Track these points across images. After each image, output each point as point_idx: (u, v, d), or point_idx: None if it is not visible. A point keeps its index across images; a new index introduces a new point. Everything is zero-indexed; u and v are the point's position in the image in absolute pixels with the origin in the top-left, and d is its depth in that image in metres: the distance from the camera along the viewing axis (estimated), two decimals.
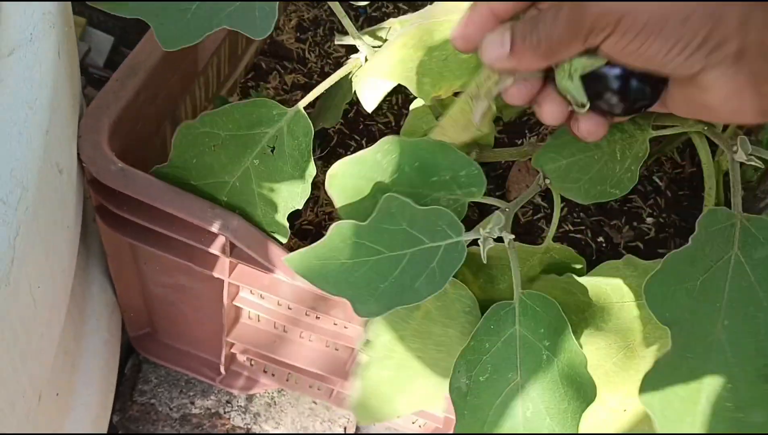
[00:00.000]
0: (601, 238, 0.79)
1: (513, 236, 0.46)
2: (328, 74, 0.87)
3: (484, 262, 0.46)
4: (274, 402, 0.88)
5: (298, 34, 0.90)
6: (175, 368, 0.86)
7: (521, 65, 0.40)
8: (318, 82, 0.86)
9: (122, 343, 0.86)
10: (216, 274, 0.63)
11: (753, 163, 0.43)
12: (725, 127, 0.59)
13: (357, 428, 0.93)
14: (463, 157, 0.49)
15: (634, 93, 0.40)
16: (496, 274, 0.54)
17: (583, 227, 0.79)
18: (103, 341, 0.73)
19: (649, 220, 0.84)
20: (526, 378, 0.43)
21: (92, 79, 1.02)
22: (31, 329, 0.47)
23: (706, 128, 0.48)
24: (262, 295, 0.68)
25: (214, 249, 0.59)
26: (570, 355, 0.43)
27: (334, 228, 0.45)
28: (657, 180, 0.87)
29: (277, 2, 0.51)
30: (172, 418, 0.85)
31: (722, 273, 0.39)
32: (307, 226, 0.76)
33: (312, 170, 0.55)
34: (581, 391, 0.42)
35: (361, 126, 0.82)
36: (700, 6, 0.35)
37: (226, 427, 0.86)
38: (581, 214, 0.80)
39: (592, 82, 0.40)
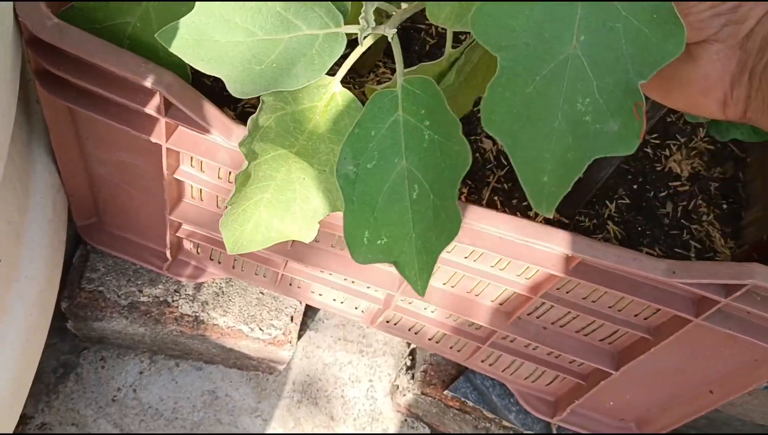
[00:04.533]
0: None
1: (396, 30, 0.47)
2: None
3: (361, 45, 0.47)
4: (222, 292, 0.90)
5: None
6: (122, 257, 0.87)
7: None
8: None
9: (70, 235, 0.87)
10: (154, 139, 0.64)
11: None
12: None
13: (303, 318, 0.96)
14: None
15: None
16: None
17: None
18: (47, 219, 0.74)
19: None
20: (411, 161, 0.45)
21: None
22: None
23: None
24: (203, 166, 0.69)
25: (150, 109, 0.61)
26: (446, 127, 0.44)
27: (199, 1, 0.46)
28: None
29: None
30: (120, 305, 0.87)
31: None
32: (250, 109, 0.77)
33: None
34: (458, 157, 0.44)
35: None
36: None
37: (174, 314, 0.88)
38: None
39: None
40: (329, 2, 0.45)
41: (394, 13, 0.47)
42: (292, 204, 0.52)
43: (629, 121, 0.37)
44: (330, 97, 0.50)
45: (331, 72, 0.48)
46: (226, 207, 0.52)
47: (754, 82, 0.37)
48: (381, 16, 0.48)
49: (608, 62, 0.37)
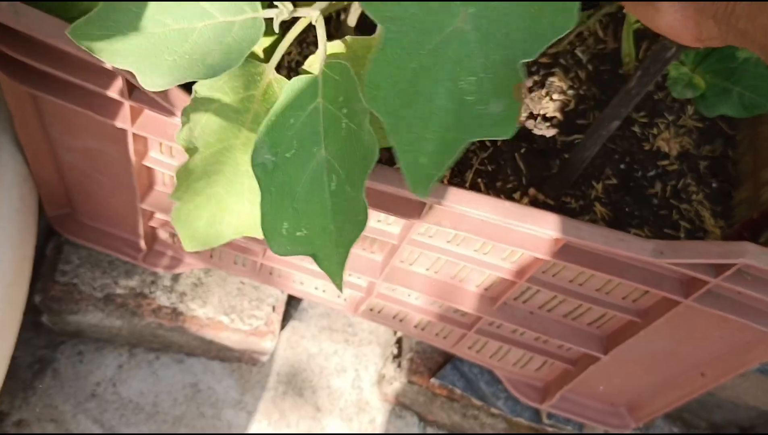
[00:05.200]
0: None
1: (319, 12, 0.44)
2: None
3: (276, 30, 0.45)
4: (201, 282, 0.88)
5: None
6: (96, 248, 0.85)
7: None
8: None
9: (43, 226, 0.84)
10: (119, 124, 0.61)
11: None
12: None
13: (286, 308, 0.94)
14: None
15: None
16: None
17: None
18: (14, 209, 0.72)
19: (570, 92, 0.84)
20: (330, 151, 0.43)
21: None
22: None
23: None
24: (173, 152, 0.67)
25: (113, 92, 0.58)
26: (359, 115, 0.42)
27: None
28: (579, 54, 0.88)
29: None
30: (95, 298, 0.84)
31: None
32: None
33: None
34: (367, 147, 0.42)
35: None
36: None
37: (152, 306, 0.85)
38: None
39: None
40: None
41: None
42: (242, 198, 0.50)
43: (510, 103, 0.35)
44: (266, 85, 0.48)
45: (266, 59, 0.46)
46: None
47: (722, 26, 0.39)
48: None
49: (497, 38, 0.34)
